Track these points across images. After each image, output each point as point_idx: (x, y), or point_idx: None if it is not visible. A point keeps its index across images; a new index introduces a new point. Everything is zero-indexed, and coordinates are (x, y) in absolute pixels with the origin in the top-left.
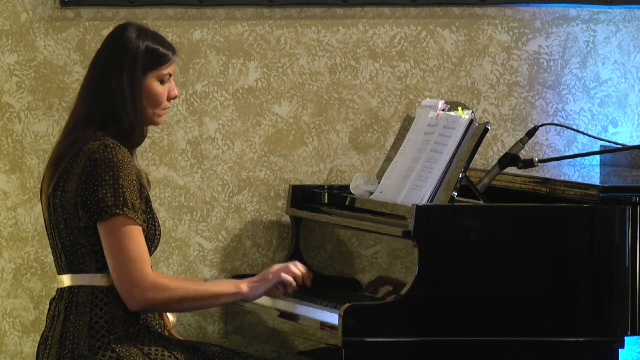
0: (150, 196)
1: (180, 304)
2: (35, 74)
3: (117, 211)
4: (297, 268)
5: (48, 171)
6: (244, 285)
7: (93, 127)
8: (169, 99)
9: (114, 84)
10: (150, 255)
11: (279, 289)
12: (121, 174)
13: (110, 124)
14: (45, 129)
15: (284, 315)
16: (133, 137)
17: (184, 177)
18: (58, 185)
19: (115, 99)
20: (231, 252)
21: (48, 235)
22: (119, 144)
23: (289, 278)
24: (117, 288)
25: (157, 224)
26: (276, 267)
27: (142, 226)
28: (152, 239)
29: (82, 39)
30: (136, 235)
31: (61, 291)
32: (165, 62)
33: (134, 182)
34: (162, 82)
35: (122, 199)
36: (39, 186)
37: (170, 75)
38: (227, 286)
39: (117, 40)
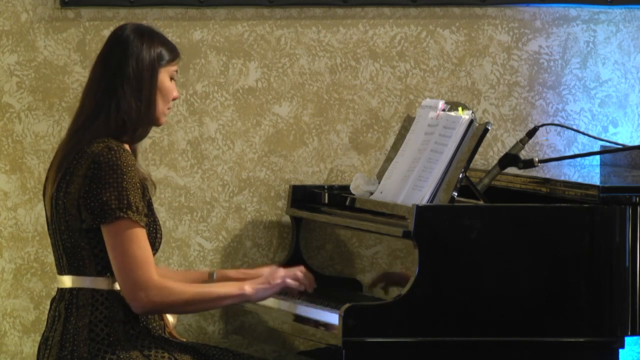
0: (152, 199)
1: (185, 307)
2: (35, 74)
3: (121, 214)
4: (302, 274)
5: (52, 171)
6: (247, 287)
7: (99, 125)
8: (172, 99)
9: (131, 76)
10: None
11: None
12: (125, 177)
13: (118, 116)
14: (45, 129)
15: (284, 315)
16: (138, 131)
17: (184, 177)
18: (60, 186)
19: (132, 89)
20: (231, 252)
21: (49, 234)
22: (122, 146)
23: (294, 284)
24: (121, 291)
25: (157, 227)
26: (282, 271)
27: (145, 228)
28: (153, 242)
29: (82, 39)
30: (140, 237)
31: (62, 291)
32: (175, 58)
33: (137, 184)
34: (171, 78)
35: (125, 201)
36: (39, 186)
37: (177, 72)
38: (231, 288)
39: (127, 38)
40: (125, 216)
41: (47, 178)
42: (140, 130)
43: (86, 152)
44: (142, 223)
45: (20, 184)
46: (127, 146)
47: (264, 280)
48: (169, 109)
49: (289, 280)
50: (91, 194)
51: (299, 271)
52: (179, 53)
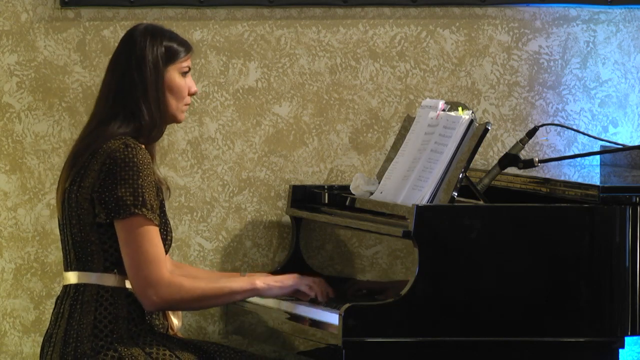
0: (166, 202)
1: (196, 303)
2: (35, 74)
3: (136, 211)
4: (318, 287)
5: (66, 166)
6: (259, 281)
7: (115, 125)
8: (189, 94)
9: (136, 78)
10: None
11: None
12: (141, 174)
13: (132, 119)
14: (45, 129)
15: (284, 315)
16: (152, 132)
17: (184, 177)
18: (75, 181)
19: (139, 92)
20: (231, 252)
21: (60, 230)
22: (139, 144)
23: (306, 289)
24: (132, 287)
25: (168, 229)
26: (298, 276)
27: (158, 226)
28: (163, 244)
29: (82, 39)
30: (153, 235)
31: (67, 288)
32: (183, 54)
33: (152, 183)
34: (183, 75)
35: (140, 199)
36: (39, 186)
37: (189, 69)
38: (242, 282)
39: (134, 38)
40: (140, 213)
41: (61, 173)
42: (155, 131)
43: (102, 148)
44: (155, 221)
45: (20, 184)
46: (143, 147)
47: (278, 279)
48: (186, 105)
49: (301, 285)
50: (106, 189)
51: (314, 283)
52: (188, 48)
